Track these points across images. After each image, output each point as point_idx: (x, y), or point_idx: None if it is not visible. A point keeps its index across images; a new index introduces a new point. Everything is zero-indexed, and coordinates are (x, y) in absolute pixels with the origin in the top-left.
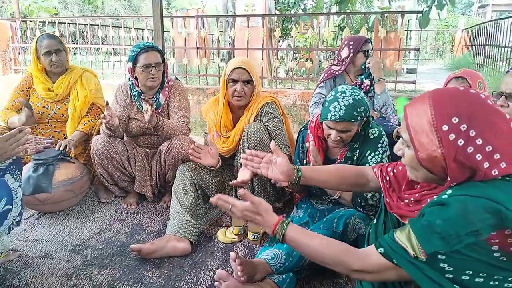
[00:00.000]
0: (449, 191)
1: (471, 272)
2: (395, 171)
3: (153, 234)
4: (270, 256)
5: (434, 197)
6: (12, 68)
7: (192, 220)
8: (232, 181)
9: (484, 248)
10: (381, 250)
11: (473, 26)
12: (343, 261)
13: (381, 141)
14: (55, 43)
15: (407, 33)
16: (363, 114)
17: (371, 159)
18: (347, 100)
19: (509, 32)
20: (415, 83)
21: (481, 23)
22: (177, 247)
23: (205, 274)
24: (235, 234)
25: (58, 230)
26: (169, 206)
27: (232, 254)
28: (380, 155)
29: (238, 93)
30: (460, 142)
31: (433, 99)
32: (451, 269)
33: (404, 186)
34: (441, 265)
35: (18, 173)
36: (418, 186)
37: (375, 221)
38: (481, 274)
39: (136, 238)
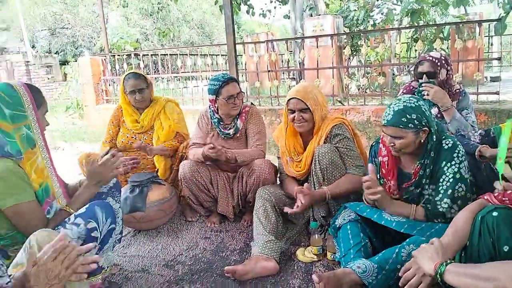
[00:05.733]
0: None
1: None
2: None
3: (236, 252)
4: (362, 269)
5: None
6: (104, 99)
7: (276, 240)
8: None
9: None
10: None
11: None
12: None
13: (456, 150)
14: (139, 82)
15: (488, 39)
16: (416, 122)
17: (447, 169)
18: (397, 106)
19: None
20: (498, 94)
21: None
22: (266, 267)
23: None
24: (314, 254)
25: (151, 246)
26: (250, 225)
27: (314, 277)
28: (457, 165)
29: (296, 120)
30: None
31: None
32: None
33: None
34: None
35: (118, 195)
36: None
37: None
38: None
39: (221, 255)
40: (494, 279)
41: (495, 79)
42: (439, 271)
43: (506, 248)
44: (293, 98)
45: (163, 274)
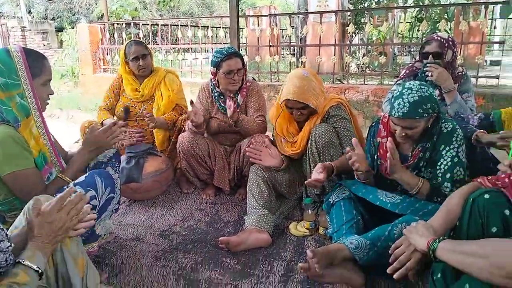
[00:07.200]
0: None
1: None
2: (506, 180)
3: (230, 224)
4: (354, 245)
5: None
6: (101, 68)
7: (269, 214)
8: (307, 180)
9: None
10: None
11: None
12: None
13: (455, 134)
14: (142, 48)
15: (492, 21)
16: (430, 111)
17: (445, 153)
18: (412, 97)
19: None
20: (498, 78)
21: None
22: (259, 239)
23: (278, 264)
24: (307, 228)
25: (147, 216)
26: (244, 198)
27: (308, 252)
28: (455, 149)
29: (295, 116)
30: None
31: None
32: None
33: None
34: None
35: (117, 165)
36: None
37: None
38: None
39: (215, 227)
40: (486, 255)
41: (495, 63)
42: (432, 248)
43: (494, 229)
44: (291, 100)
45: (157, 243)
